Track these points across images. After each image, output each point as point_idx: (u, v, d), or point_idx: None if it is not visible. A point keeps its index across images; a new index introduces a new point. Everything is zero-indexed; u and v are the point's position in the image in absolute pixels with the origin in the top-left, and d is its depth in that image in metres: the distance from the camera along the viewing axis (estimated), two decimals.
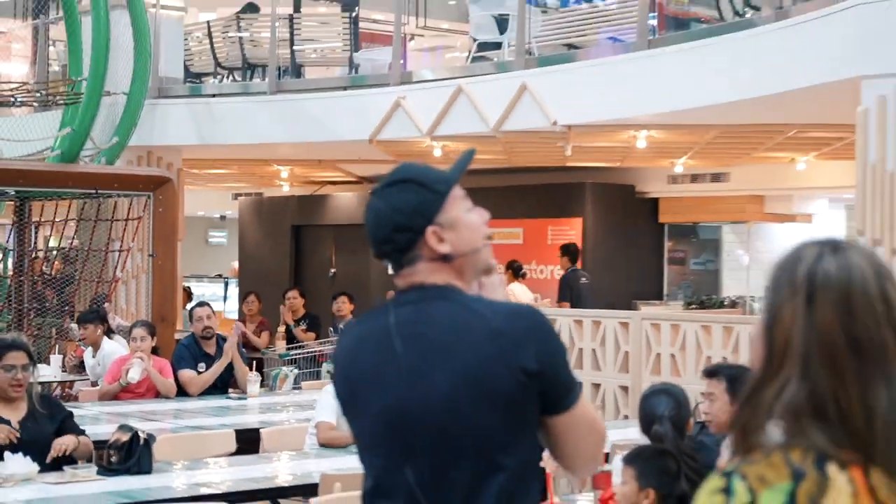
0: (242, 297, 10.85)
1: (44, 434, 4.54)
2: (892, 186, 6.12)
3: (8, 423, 4.47)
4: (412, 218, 1.89)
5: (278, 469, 5.02)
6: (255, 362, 8.58)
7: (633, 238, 12.01)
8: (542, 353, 1.76)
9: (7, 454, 4.29)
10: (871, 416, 1.12)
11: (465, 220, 1.94)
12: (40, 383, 6.87)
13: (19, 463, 4.26)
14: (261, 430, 5.70)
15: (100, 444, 4.70)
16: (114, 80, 8.87)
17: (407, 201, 1.91)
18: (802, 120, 8.35)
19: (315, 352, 9.10)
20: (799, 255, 1.25)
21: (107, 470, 4.40)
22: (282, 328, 9.75)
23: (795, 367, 1.17)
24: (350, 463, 4.74)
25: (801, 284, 1.21)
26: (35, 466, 4.29)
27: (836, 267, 1.21)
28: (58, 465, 4.55)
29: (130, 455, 4.34)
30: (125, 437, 4.43)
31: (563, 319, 8.11)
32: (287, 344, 9.50)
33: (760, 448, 1.14)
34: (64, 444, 4.50)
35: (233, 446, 5.53)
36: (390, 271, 1.94)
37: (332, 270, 12.95)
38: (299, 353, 9.11)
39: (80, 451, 4.59)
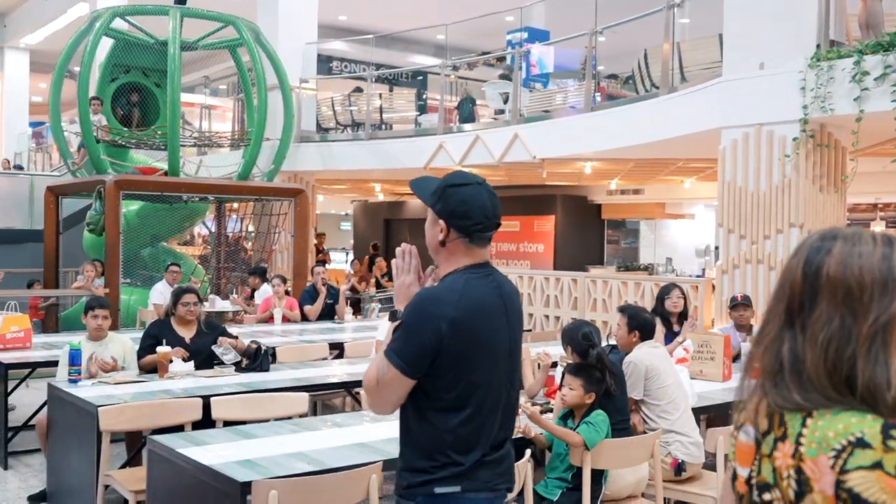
0: (352, 262, 15.14)
1: (206, 345, 5.67)
2: (740, 195, 7.47)
3: (182, 339, 5.62)
4: None
5: (351, 370, 5.99)
6: (357, 300, 12.49)
7: (585, 228, 15.60)
8: None
9: (176, 359, 5.40)
10: None
11: None
12: (218, 311, 8.86)
13: (182, 364, 5.45)
14: (345, 343, 7.18)
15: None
16: (274, 131, 11.66)
17: None
18: (686, 156, 9.94)
19: (391, 294, 12.39)
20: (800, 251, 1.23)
21: (240, 369, 5.64)
22: (373, 280, 13.96)
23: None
24: None
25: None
26: (191, 366, 5.46)
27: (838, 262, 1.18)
28: (209, 366, 5.60)
29: (256, 359, 5.67)
30: (254, 347, 5.74)
31: (538, 276, 10.14)
32: (376, 289, 13.21)
33: None
34: (226, 339, 5.66)
35: (326, 353, 6.89)
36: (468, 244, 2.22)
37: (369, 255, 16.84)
38: (382, 295, 12.32)
39: (238, 347, 5.65)
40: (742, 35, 7.57)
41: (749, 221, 7.50)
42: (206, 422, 4.56)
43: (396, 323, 2.27)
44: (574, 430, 3.95)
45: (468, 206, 2.27)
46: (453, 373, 2.22)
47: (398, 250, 2.38)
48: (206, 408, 4.60)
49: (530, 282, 10.15)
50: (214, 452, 3.65)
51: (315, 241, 15.79)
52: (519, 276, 10.28)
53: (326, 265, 14.46)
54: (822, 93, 6.87)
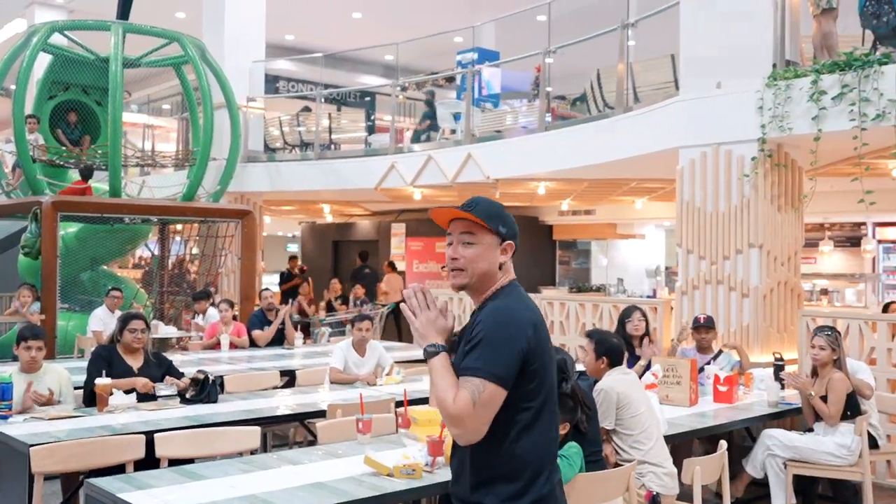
0: (281, 284, 14.69)
1: (154, 376, 5.47)
2: (698, 215, 7.37)
3: (130, 367, 5.39)
4: None
5: (303, 400, 5.74)
6: (307, 325, 12.00)
7: (537, 249, 15.35)
8: None
9: (115, 391, 5.07)
10: None
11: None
12: (162, 338, 8.64)
13: (123, 396, 5.14)
14: (296, 370, 6.87)
15: None
16: (220, 151, 11.41)
17: None
18: (642, 175, 9.82)
19: (342, 318, 11.79)
20: None
21: (186, 400, 5.34)
22: (323, 303, 13.37)
23: None
24: (348, 395, 5.70)
25: None
26: (133, 398, 5.17)
27: None
28: (152, 397, 5.35)
29: (203, 390, 5.37)
30: (201, 377, 5.42)
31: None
32: (326, 313, 12.74)
33: None
34: (177, 382, 5.45)
35: (278, 381, 6.65)
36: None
37: (372, 268, 16.40)
38: (332, 319, 12.01)
39: (181, 387, 5.41)
40: (699, 54, 7.52)
41: (708, 242, 7.39)
42: (149, 460, 4.26)
43: (472, 344, 2.28)
44: None
45: (516, 226, 2.52)
46: (538, 379, 2.31)
47: (407, 293, 2.39)
48: (150, 444, 4.30)
49: None
50: (159, 497, 3.34)
51: (288, 266, 15.61)
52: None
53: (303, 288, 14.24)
54: (780, 112, 6.82)
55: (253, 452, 4.49)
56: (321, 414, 5.35)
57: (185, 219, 11.22)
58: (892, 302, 8.37)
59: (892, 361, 6.55)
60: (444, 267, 2.44)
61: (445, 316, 2.37)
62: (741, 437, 6.52)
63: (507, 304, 2.34)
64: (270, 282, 19.60)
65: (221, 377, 6.15)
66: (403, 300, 2.44)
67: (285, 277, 15.29)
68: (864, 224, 14.33)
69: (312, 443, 5.40)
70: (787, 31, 7.21)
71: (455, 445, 2.41)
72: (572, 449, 3.72)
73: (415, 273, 16.07)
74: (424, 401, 5.18)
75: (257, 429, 4.61)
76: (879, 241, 14.41)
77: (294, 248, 24.41)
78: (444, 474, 3.81)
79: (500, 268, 2.42)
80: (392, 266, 15.09)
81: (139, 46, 11.20)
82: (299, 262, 16.43)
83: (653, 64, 9.28)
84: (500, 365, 2.24)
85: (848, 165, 7.66)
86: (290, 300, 13.09)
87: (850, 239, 14.53)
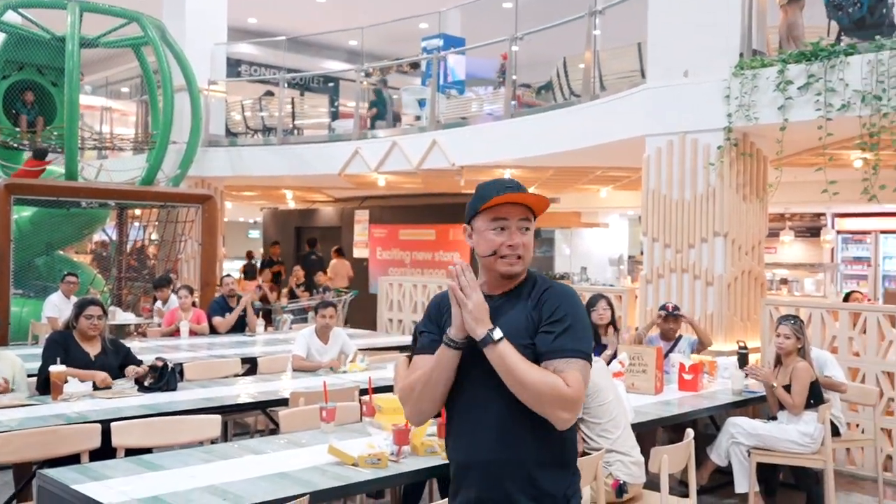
0: (261, 270, 14.59)
1: (111, 364, 5.33)
2: (664, 203, 7.35)
3: (87, 354, 5.25)
4: (466, 215, 2.35)
5: (265, 388, 5.61)
6: (268, 312, 11.79)
7: None
8: None
9: (72, 379, 4.90)
10: None
11: (484, 233, 2.26)
12: (120, 325, 8.45)
13: (79, 384, 4.98)
14: (258, 358, 6.76)
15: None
16: (180, 135, 11.17)
17: (469, 202, 2.35)
18: (608, 164, 9.81)
19: (304, 305, 11.61)
20: None
21: (144, 388, 5.20)
22: (286, 290, 13.27)
23: None
24: (311, 382, 5.58)
25: None
26: (89, 386, 5.01)
27: None
28: (110, 386, 5.14)
29: (162, 378, 5.24)
30: (159, 365, 5.28)
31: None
32: (288, 300, 12.54)
33: None
34: (136, 370, 5.27)
35: (239, 369, 6.52)
36: None
37: (319, 255, 16.29)
38: (294, 306, 11.74)
39: (139, 374, 5.24)
40: (666, 43, 7.49)
41: (673, 230, 7.38)
42: (105, 450, 4.12)
43: (564, 326, 2.20)
44: None
45: None
46: None
47: (455, 270, 2.21)
48: (106, 434, 4.16)
49: None
50: (115, 488, 3.22)
51: (270, 253, 15.31)
52: (438, 287, 9.95)
53: (282, 276, 14.04)
54: (747, 101, 6.82)
55: (214, 441, 4.39)
56: (283, 402, 5.26)
57: (144, 203, 10.98)
58: (853, 291, 8.45)
59: (853, 350, 6.60)
60: (493, 254, 2.25)
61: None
62: (705, 425, 6.54)
63: (567, 287, 2.32)
64: (232, 268, 19.40)
65: (181, 365, 6.01)
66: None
67: (266, 264, 14.96)
68: (823, 215, 14.51)
69: (274, 431, 5.33)
70: (754, 21, 7.21)
71: (482, 433, 2.25)
72: None
73: (378, 260, 15.95)
74: (389, 388, 5.11)
75: (218, 417, 4.50)
76: (839, 232, 14.60)
77: (256, 235, 24.10)
78: (411, 463, 3.75)
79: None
80: (339, 252, 15.18)
81: (97, 26, 10.90)
82: (279, 248, 16.11)
83: (619, 52, 9.24)
84: (589, 346, 2.23)
85: (811, 155, 7.71)
86: (315, 290, 13.11)
87: (810, 229, 14.71)
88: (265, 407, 5.51)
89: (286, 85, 13.90)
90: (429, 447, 3.87)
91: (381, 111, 12.71)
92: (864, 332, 6.50)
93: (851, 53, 6.37)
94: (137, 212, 11.90)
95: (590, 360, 2.19)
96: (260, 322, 8.98)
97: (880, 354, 6.42)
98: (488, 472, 2.22)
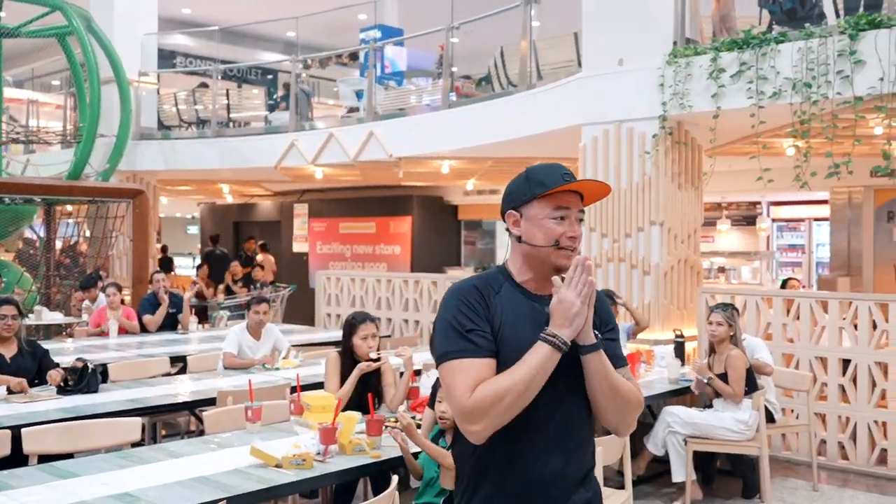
0: (198, 266, 13.93)
1: (27, 366, 5.12)
2: None
3: (2, 356, 5.04)
4: (505, 199, 2.14)
5: (193, 387, 5.40)
6: (204, 309, 11.78)
7: (442, 229, 14.98)
8: None
9: None
10: None
11: (541, 221, 2.04)
12: (47, 325, 8.10)
13: None
14: (186, 357, 6.46)
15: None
16: (111, 128, 10.92)
17: (511, 185, 2.14)
18: (544, 154, 9.52)
19: (241, 302, 11.28)
20: None
21: (63, 391, 4.97)
22: (222, 286, 12.95)
23: None
24: (242, 381, 5.29)
25: None
26: (3, 391, 4.80)
27: None
28: (24, 390, 4.85)
29: (82, 379, 5.01)
30: (79, 366, 5.04)
31: (396, 280, 9.54)
32: (225, 296, 12.28)
33: None
34: (55, 377, 5.00)
35: (168, 368, 6.26)
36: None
37: (223, 250, 15.98)
38: (231, 302, 11.43)
39: (55, 381, 4.99)
40: (601, 31, 7.45)
41: (611, 220, 7.35)
42: (17, 457, 3.90)
43: (613, 333, 2.15)
44: (449, 449, 3.52)
45: None
46: None
47: (586, 263, 1.99)
48: (17, 440, 3.93)
49: (388, 285, 9.67)
50: (18, 499, 3.04)
51: (244, 248, 14.75)
52: (377, 280, 9.81)
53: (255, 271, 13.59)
54: (681, 89, 6.81)
55: (137, 445, 4.18)
56: (212, 402, 5.06)
57: (72, 199, 10.59)
58: (790, 279, 8.54)
59: (787, 336, 6.64)
60: (556, 244, 2.03)
61: None
62: (642, 415, 6.50)
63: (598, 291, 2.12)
64: (186, 265, 18.99)
65: (105, 365, 5.76)
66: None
67: (244, 261, 14.26)
68: (759, 203, 14.70)
69: (204, 433, 5.12)
70: (687, 10, 7.21)
71: (532, 445, 2.04)
72: None
73: (318, 254, 15.73)
74: (320, 385, 4.95)
75: (138, 420, 4.29)
76: (774, 220, 14.81)
77: (195, 230, 23.62)
78: (338, 463, 3.61)
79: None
80: (264, 248, 15.23)
81: (20, 15, 10.48)
82: (255, 244, 15.33)
83: (556, 41, 9.18)
84: None
85: (745, 144, 7.74)
86: (252, 286, 12.68)
87: (746, 218, 14.88)
88: (193, 407, 5.32)
89: (220, 77, 13.57)
90: (357, 446, 3.74)
91: (287, 105, 12.50)
92: (798, 318, 6.54)
93: (782, 41, 6.39)
94: (69, 208, 11.48)
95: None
96: (193, 319, 8.71)
97: (813, 340, 6.46)
98: (563, 483, 2.06)
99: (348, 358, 4.76)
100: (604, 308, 2.11)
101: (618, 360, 2.08)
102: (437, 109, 10.00)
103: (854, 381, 6.26)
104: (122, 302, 8.58)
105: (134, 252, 10.53)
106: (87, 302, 9.00)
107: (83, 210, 11.30)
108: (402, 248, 14.54)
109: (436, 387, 3.81)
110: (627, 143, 7.24)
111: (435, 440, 3.69)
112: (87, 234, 11.56)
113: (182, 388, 5.51)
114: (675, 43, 7.04)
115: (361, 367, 4.59)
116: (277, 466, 3.47)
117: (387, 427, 3.94)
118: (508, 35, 9.62)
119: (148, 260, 10.72)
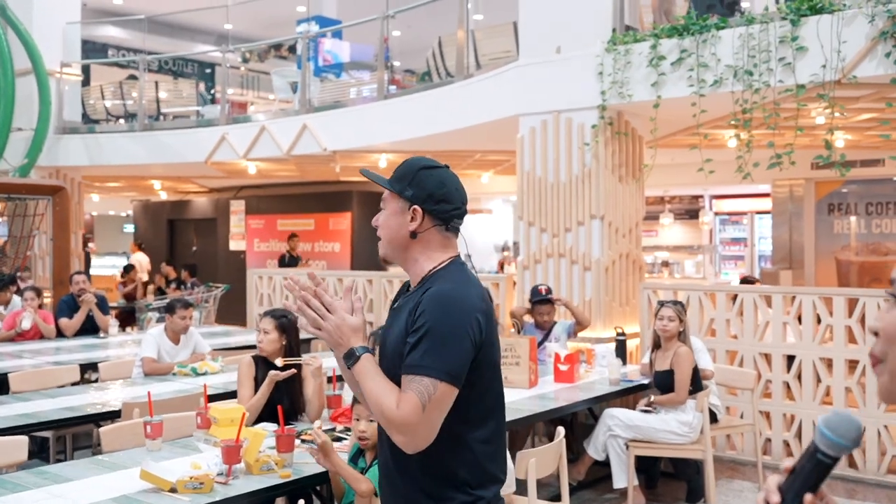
0: (125, 266, 13.69)
1: None
2: (539, 186, 7.02)
3: None
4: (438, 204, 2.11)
5: (101, 397, 5.03)
6: (131, 311, 11.44)
7: None
8: None
9: None
10: None
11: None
12: None
13: None
14: (98, 363, 6.01)
15: None
16: (30, 121, 10.40)
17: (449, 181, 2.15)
18: (485, 147, 9.44)
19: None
20: None
21: None
22: (152, 287, 12.70)
23: None
24: (158, 389, 4.98)
25: None
26: None
27: None
28: None
29: None
30: None
31: (330, 277, 9.58)
32: (155, 297, 11.84)
33: None
34: None
35: (77, 377, 5.84)
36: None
37: (194, 248, 15.86)
38: (160, 303, 10.84)
39: None
40: (537, 17, 7.13)
41: (549, 214, 7.05)
42: None
43: (417, 337, 1.93)
44: (364, 472, 3.17)
45: (447, 189, 2.06)
46: (488, 374, 2.00)
47: (297, 305, 2.02)
48: None
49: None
50: None
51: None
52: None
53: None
54: (620, 78, 6.53)
55: (40, 459, 3.77)
56: (117, 414, 4.64)
57: None
58: (750, 277, 8.32)
59: (731, 333, 6.41)
60: None
61: (354, 310, 2.01)
62: (585, 416, 6.24)
63: (451, 290, 1.96)
64: (102, 264, 18.25)
65: (4, 375, 5.26)
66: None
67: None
68: (701, 197, 14.61)
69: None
70: None
71: (383, 453, 2.09)
72: None
73: (256, 252, 15.22)
74: (233, 395, 4.55)
75: (24, 438, 3.85)
76: (716, 214, 14.73)
77: (129, 229, 22.86)
78: (242, 486, 3.23)
79: (413, 237, 2.06)
80: (140, 246, 15.11)
81: None
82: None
83: (495, 31, 8.87)
84: (450, 361, 1.91)
85: (687, 135, 7.52)
86: (183, 286, 12.30)
87: (689, 211, 14.79)
88: (97, 420, 4.84)
89: (154, 70, 12.99)
90: (264, 464, 3.36)
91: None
92: (742, 313, 6.32)
93: (723, 27, 6.15)
94: None
95: (449, 380, 1.89)
96: (114, 322, 8.18)
97: (757, 336, 6.24)
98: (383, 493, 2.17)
99: (263, 362, 4.35)
100: (418, 310, 1.96)
101: (407, 369, 1.93)
102: (372, 101, 9.59)
103: (799, 377, 6.05)
104: (41, 306, 7.98)
105: (54, 251, 9.98)
106: (1, 307, 8.42)
107: (3, 208, 10.67)
108: (342, 246, 14.13)
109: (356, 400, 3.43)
110: (566, 133, 6.95)
111: (353, 460, 3.33)
112: (5, 233, 10.91)
113: (87, 399, 5.07)
114: (614, 30, 6.75)
115: (272, 376, 4.18)
116: (172, 491, 3.10)
117: (304, 442, 3.58)
118: (455, 26, 9.27)
119: (70, 259, 10.15)
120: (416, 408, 1.85)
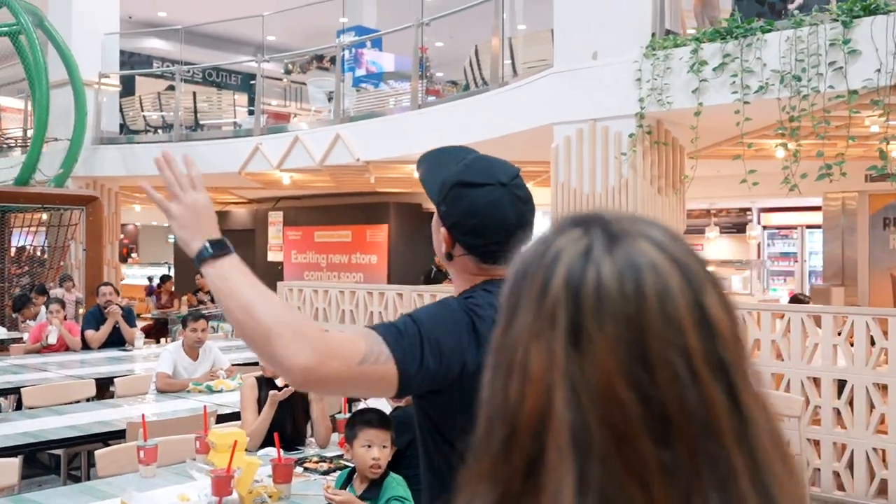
0: (162, 277, 13.78)
1: None
2: (574, 197, 6.77)
3: None
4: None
5: (113, 415, 4.86)
6: (164, 322, 11.27)
7: (420, 237, 13.60)
8: None
9: None
10: None
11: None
12: None
13: None
14: (114, 378, 5.80)
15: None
16: (67, 131, 10.41)
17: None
18: (518, 157, 9.55)
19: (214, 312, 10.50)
20: (552, 250, 0.63)
21: None
22: (185, 297, 12.50)
23: (567, 471, 0.56)
24: (171, 407, 4.91)
25: (557, 305, 0.60)
26: None
27: (615, 272, 0.60)
28: None
29: None
30: None
31: (360, 291, 8.85)
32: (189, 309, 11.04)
33: None
34: None
35: (93, 392, 5.68)
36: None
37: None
38: None
39: None
40: (573, 22, 6.84)
41: None
42: None
43: None
44: (364, 496, 2.90)
45: (480, 219, 1.60)
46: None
47: (160, 160, 1.56)
48: None
49: (352, 297, 9.01)
50: None
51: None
52: (340, 292, 9.14)
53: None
54: (659, 84, 6.19)
55: (46, 478, 3.65)
56: (123, 434, 4.43)
57: (20, 206, 9.90)
58: (801, 296, 7.85)
59: (777, 353, 6.00)
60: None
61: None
62: None
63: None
64: (142, 273, 18.27)
65: (19, 389, 5.13)
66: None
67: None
68: (749, 210, 14.10)
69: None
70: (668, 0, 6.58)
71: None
72: (398, 486, 2.95)
73: (294, 264, 15.08)
74: (237, 416, 4.30)
75: (15, 461, 3.64)
76: (764, 227, 14.22)
77: (173, 239, 23.07)
78: None
79: (448, 259, 1.68)
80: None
81: None
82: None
83: (534, 38, 8.58)
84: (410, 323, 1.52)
85: (731, 145, 7.12)
86: None
87: (736, 225, 14.29)
88: (105, 440, 4.62)
89: (195, 81, 12.93)
90: (258, 496, 3.09)
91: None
92: (788, 333, 5.90)
93: (769, 31, 5.78)
94: (31, 215, 10.78)
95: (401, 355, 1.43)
96: (140, 335, 8.00)
97: (805, 359, 5.82)
98: None
99: (267, 383, 4.09)
100: None
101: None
102: (406, 110, 9.35)
103: (850, 403, 5.61)
104: (65, 318, 7.87)
105: (88, 262, 9.90)
106: (29, 321, 8.31)
107: (36, 218, 10.64)
108: (379, 258, 13.92)
109: (353, 424, 3.15)
110: (603, 143, 6.61)
111: (344, 485, 3.05)
112: (39, 242, 10.88)
113: (97, 417, 4.86)
114: (653, 34, 6.41)
115: (273, 397, 3.92)
116: None
117: (306, 471, 3.31)
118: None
119: (102, 270, 10.07)
120: (355, 350, 1.39)
